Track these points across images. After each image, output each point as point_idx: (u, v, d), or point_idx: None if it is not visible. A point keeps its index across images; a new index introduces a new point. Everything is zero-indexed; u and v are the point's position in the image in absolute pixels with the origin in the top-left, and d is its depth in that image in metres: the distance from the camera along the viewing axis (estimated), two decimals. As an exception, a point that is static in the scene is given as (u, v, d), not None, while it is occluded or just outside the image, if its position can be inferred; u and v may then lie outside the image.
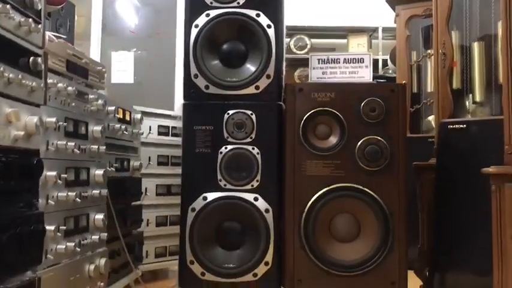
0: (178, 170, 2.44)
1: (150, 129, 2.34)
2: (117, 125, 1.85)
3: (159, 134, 2.38)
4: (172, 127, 2.43)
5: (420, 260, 2.13)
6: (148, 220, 2.28)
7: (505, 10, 1.55)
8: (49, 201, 1.32)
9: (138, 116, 2.12)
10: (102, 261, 1.61)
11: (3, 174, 1.04)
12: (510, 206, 1.33)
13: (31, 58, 1.18)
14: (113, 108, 1.79)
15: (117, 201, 1.85)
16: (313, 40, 4.65)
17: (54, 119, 1.30)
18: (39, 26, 1.21)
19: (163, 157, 2.39)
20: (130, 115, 2.05)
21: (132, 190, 2.05)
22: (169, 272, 2.52)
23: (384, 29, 4.42)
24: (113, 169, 1.83)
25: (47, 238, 1.27)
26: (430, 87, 2.98)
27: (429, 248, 2.08)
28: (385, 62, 4.45)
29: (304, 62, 3.94)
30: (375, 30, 4.52)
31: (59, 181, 1.34)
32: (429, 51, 2.99)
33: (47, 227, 1.25)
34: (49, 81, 1.32)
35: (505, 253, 1.34)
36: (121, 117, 1.93)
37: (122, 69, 4.51)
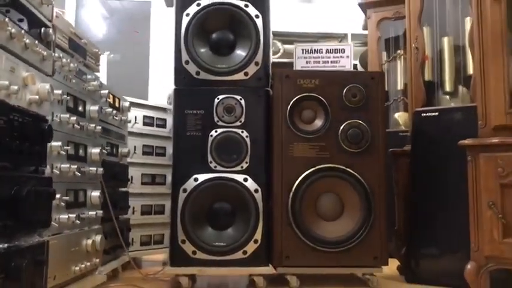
0: (163, 161, 2.51)
1: (135, 120, 2.38)
2: (109, 109, 1.89)
3: (144, 124, 2.43)
4: (157, 118, 2.48)
5: (396, 241, 2.25)
6: (134, 208, 2.31)
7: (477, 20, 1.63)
8: (54, 170, 1.35)
9: (127, 104, 2.17)
10: (98, 237, 1.64)
11: (19, 134, 1.08)
12: (484, 173, 1.47)
13: (42, 29, 1.23)
14: (105, 91, 1.83)
15: (107, 185, 1.88)
16: (286, 46, 4.78)
17: (60, 91, 1.35)
18: (50, -2, 1.26)
19: (148, 147, 2.43)
20: (119, 102, 2.09)
21: (120, 176, 2.09)
22: (142, 262, 2.54)
23: (353, 36, 4.61)
24: (105, 152, 1.87)
25: (52, 207, 1.30)
26: (399, 85, 3.15)
27: (405, 230, 2.21)
28: (354, 66, 4.63)
29: (278, 66, 4.06)
30: (345, 36, 4.70)
31: (62, 152, 1.38)
32: (399, 51, 3.17)
33: (52, 196, 1.29)
34: (55, 55, 1.36)
35: (480, 216, 1.46)
36: (112, 102, 1.97)
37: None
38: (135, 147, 2.37)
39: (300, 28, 4.72)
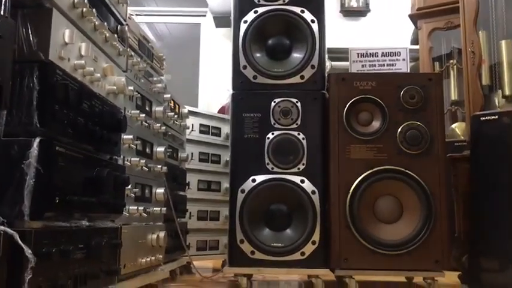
0: (218, 168, 2.56)
1: (192, 127, 2.45)
2: (171, 113, 1.97)
3: (201, 132, 2.50)
4: (212, 126, 2.55)
5: (457, 248, 2.18)
6: (190, 213, 2.36)
7: None
8: (125, 162, 1.42)
9: (185, 111, 2.25)
10: (162, 234, 1.69)
11: (99, 121, 1.15)
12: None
13: (119, 26, 1.31)
14: (168, 96, 1.91)
15: (168, 186, 1.94)
16: (334, 62, 4.82)
17: (132, 87, 1.42)
18: (126, -1, 1.35)
19: (204, 154, 2.50)
20: (179, 108, 2.17)
21: (180, 179, 2.15)
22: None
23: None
24: (168, 153, 1.94)
25: (123, 196, 1.36)
26: (453, 95, 3.10)
27: (466, 237, 2.14)
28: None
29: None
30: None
31: (132, 146, 1.44)
32: (451, 61, 3.14)
33: (124, 186, 1.35)
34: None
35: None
36: (172, 107, 2.05)
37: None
38: (192, 154, 2.43)
39: (347, 44, 4.74)
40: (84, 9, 1.05)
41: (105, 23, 1.17)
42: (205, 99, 4.94)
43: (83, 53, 1.05)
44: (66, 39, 0.97)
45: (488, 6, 2.32)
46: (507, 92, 2.23)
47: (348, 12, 4.93)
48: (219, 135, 2.58)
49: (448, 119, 3.15)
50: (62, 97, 0.95)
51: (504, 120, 2.10)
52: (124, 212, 1.39)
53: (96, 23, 1.13)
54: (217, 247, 2.48)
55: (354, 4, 4.93)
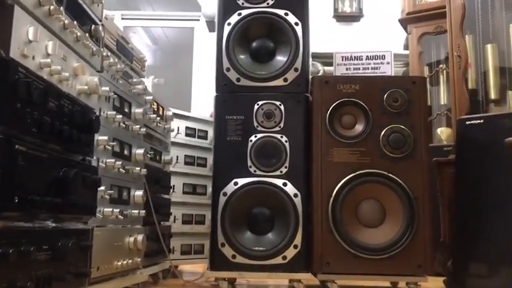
0: (204, 171, 2.55)
1: (178, 130, 2.44)
2: (153, 115, 1.95)
3: (186, 135, 2.49)
4: (198, 129, 2.54)
5: (442, 252, 2.17)
6: (175, 217, 2.35)
7: None
8: (100, 163, 1.40)
9: (170, 113, 2.23)
10: (140, 237, 1.67)
11: (69, 121, 1.14)
12: (534, 171, 1.41)
13: (93, 26, 1.30)
14: (150, 97, 1.90)
15: (150, 189, 1.92)
16: (326, 67, 4.80)
17: (107, 88, 1.41)
18: (102, -1, 1.34)
19: (190, 157, 2.48)
20: (163, 111, 2.16)
21: (163, 182, 2.13)
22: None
23: (394, 55, 4.58)
24: (149, 156, 1.92)
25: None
26: (442, 99, 3.10)
27: (451, 241, 2.13)
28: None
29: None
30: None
31: (108, 147, 1.43)
32: (441, 66, 3.14)
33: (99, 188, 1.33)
34: (103, 54, 1.43)
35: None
36: (156, 109, 2.04)
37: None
38: (177, 157, 2.42)
39: (340, 49, 4.74)
40: (51, 7, 1.03)
41: (75, 22, 1.16)
42: (198, 102, 4.94)
43: (49, 51, 1.04)
44: (30, 37, 0.95)
45: (475, 11, 2.31)
46: (493, 96, 2.22)
47: (341, 17, 4.93)
48: (205, 138, 2.56)
49: (437, 123, 3.14)
50: (24, 95, 0.93)
51: (489, 124, 2.10)
52: (98, 214, 1.37)
53: (66, 21, 1.11)
54: (203, 251, 2.46)
55: (347, 9, 4.93)
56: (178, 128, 2.44)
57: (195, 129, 2.52)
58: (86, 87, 1.22)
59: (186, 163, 2.46)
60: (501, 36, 2.23)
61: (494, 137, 2.03)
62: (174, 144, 2.41)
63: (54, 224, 1.07)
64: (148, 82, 4.92)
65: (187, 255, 2.41)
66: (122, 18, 5.22)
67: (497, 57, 2.23)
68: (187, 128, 2.49)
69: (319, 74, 4.70)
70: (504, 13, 2.21)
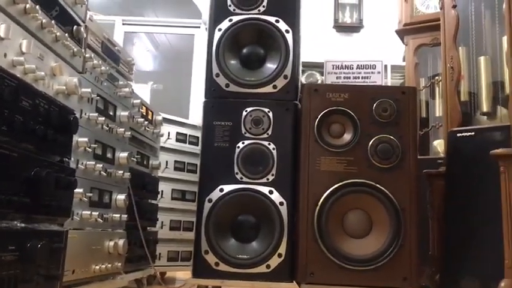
0: (194, 177, 2.53)
1: (168, 135, 2.43)
2: (141, 119, 1.94)
3: (177, 140, 2.47)
4: (189, 135, 2.52)
5: (431, 266, 2.14)
6: (162, 222, 2.33)
7: (509, 25, 1.64)
8: (79, 165, 1.39)
9: (160, 118, 2.22)
10: (121, 241, 1.65)
11: (44, 120, 1.13)
12: (518, 184, 1.39)
13: (75, 26, 1.29)
14: (138, 101, 1.89)
15: (136, 193, 1.91)
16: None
17: (89, 89, 1.40)
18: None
19: (180, 163, 2.47)
20: (152, 115, 2.15)
21: (150, 187, 2.12)
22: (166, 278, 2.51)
23: (393, 67, 4.59)
24: (134, 160, 1.91)
25: (74, 201, 1.33)
26: (437, 111, 3.08)
27: (440, 254, 2.10)
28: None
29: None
30: (384, 67, 4.67)
31: (88, 149, 1.42)
32: (437, 77, 3.12)
33: (76, 190, 1.32)
34: (86, 55, 1.43)
35: (515, 230, 1.37)
36: (144, 113, 2.03)
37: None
38: (166, 162, 2.41)
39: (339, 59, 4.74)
40: (27, 5, 1.03)
41: (53, 21, 1.15)
42: (196, 109, 4.93)
43: (24, 49, 1.03)
44: (1, 34, 0.95)
45: (469, 23, 2.30)
46: (485, 109, 2.20)
47: (342, 28, 4.94)
48: (196, 144, 2.55)
49: (432, 135, 3.12)
50: (-8, 93, 0.92)
51: (480, 137, 2.08)
52: (75, 217, 1.36)
53: (44, 20, 1.11)
54: (190, 258, 2.43)
55: (347, 20, 4.94)
56: (169, 133, 2.43)
57: (186, 134, 2.51)
58: (64, 87, 1.20)
59: (175, 169, 2.44)
60: (494, 49, 2.21)
61: (484, 150, 2.01)
62: (164, 149, 2.40)
63: (23, 225, 1.05)
64: (147, 88, 4.94)
65: (174, 261, 2.38)
66: (123, 24, 5.23)
67: (490, 70, 2.21)
68: (178, 133, 2.48)
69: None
70: (498, 26, 2.20)
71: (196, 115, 4.30)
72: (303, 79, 4.76)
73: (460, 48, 2.30)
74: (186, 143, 2.51)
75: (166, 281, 2.44)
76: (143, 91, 4.97)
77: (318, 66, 4.74)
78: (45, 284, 1.13)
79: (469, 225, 1.99)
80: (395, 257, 1.81)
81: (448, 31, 2.29)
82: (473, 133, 2.09)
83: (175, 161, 2.45)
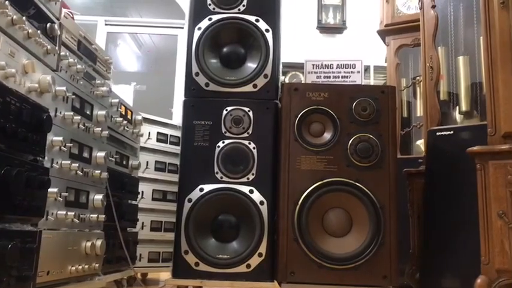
0: (175, 178, 2.51)
1: (149, 135, 2.41)
2: (119, 119, 1.92)
3: (158, 140, 2.45)
4: (170, 135, 2.51)
5: (411, 264, 2.15)
6: (143, 223, 2.30)
7: (485, 26, 1.65)
8: (53, 165, 1.36)
9: (139, 117, 2.20)
10: (99, 242, 1.63)
11: (15, 118, 1.11)
12: (493, 181, 1.40)
13: (48, 24, 1.27)
14: (116, 100, 1.87)
15: (114, 194, 1.88)
16: (308, 77, 4.81)
17: (64, 88, 1.38)
18: (58, -4, 1.31)
19: (161, 163, 2.45)
20: (131, 115, 2.13)
21: (130, 187, 2.09)
22: (147, 280, 2.49)
23: (376, 67, 4.62)
24: (113, 160, 1.89)
25: (49, 201, 1.31)
26: (419, 111, 3.10)
27: (420, 252, 2.11)
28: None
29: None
30: (367, 68, 4.71)
31: (63, 148, 1.39)
32: (418, 77, 3.14)
33: (50, 189, 1.30)
34: (61, 53, 1.41)
35: (491, 227, 1.39)
36: (123, 113, 2.01)
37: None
38: (147, 162, 2.38)
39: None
40: (-4, 1, 1.01)
41: (24, 18, 1.13)
42: (179, 109, 4.91)
43: (-7, 46, 1.01)
44: (-32, 30, 0.93)
45: (448, 23, 2.32)
46: (464, 108, 2.22)
47: (325, 29, 4.95)
48: (177, 144, 2.54)
49: (413, 134, 3.14)
50: (-41, 89, 0.90)
51: (459, 136, 2.10)
52: (50, 217, 1.34)
53: (14, 17, 1.09)
54: (171, 259, 2.41)
55: (330, 21, 4.96)
56: (149, 133, 2.41)
57: (167, 135, 2.50)
58: (37, 85, 1.18)
59: (156, 169, 2.42)
60: (472, 49, 2.24)
61: (462, 148, 2.03)
62: (145, 149, 2.38)
63: (-8, 225, 1.03)
64: (130, 88, 4.89)
65: (155, 262, 2.36)
66: (106, 24, 5.19)
67: (469, 70, 2.23)
68: (159, 133, 2.46)
69: (301, 85, 4.71)
70: (476, 26, 2.22)
71: (179, 115, 4.29)
72: (287, 80, 4.77)
73: (439, 48, 2.32)
74: (167, 143, 2.49)
75: (149, 282, 2.42)
76: (126, 92, 4.94)
77: (302, 67, 4.74)
78: (17, 285, 1.11)
79: (449, 223, 2.01)
80: (375, 255, 1.81)
81: (427, 31, 2.31)
82: (452, 132, 2.11)
83: (156, 161, 2.43)
